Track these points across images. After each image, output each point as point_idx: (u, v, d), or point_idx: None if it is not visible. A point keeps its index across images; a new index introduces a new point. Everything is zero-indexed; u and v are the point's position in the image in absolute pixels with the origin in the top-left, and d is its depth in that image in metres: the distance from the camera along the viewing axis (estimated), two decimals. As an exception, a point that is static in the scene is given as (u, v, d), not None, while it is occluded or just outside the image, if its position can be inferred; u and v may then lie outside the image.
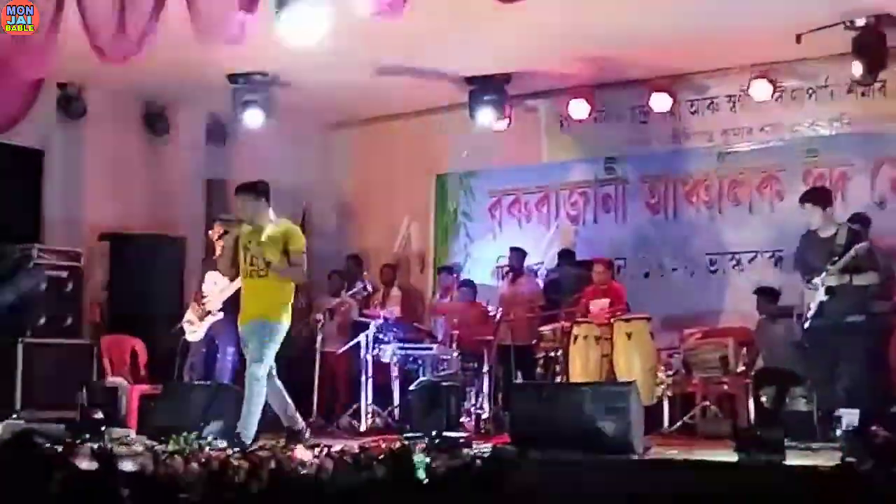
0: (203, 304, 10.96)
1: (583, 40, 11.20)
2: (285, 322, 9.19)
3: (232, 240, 9.32)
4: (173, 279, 12.77)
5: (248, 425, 8.89)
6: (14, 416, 9.99)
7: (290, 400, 9.40)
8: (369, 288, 13.26)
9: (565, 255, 13.00)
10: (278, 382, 9.33)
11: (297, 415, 9.44)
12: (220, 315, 10.83)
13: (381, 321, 12.31)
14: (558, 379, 10.98)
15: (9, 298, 11.58)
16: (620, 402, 8.67)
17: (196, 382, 10.49)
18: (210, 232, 11.38)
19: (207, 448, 8.18)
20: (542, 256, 13.33)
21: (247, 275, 9.22)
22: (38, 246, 12.01)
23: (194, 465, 7.65)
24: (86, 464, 7.19)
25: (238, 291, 10.94)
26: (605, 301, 11.34)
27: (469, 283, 12.91)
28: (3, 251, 11.81)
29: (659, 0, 10.18)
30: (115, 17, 9.13)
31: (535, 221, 13.66)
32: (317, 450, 8.40)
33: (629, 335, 10.74)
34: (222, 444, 8.54)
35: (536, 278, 13.08)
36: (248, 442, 8.56)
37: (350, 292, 13.26)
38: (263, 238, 9.10)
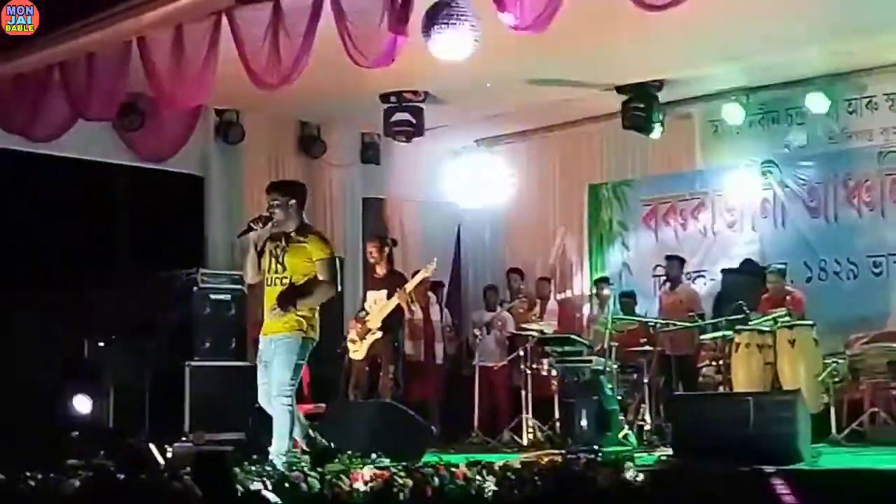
0: (364, 323, 11.07)
1: (735, 43, 11.01)
2: (314, 335, 8.55)
3: (255, 239, 8.56)
4: (333, 299, 12.87)
5: (283, 447, 8.36)
6: (183, 438, 10.22)
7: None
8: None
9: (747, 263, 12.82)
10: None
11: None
12: (380, 334, 10.94)
13: (538, 334, 12.29)
14: (721, 388, 10.82)
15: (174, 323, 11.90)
16: (786, 411, 8.52)
17: (360, 401, 10.58)
18: (368, 250, 11.51)
19: (371, 466, 8.26)
20: (700, 264, 13.16)
21: (272, 282, 8.51)
22: (202, 270, 12.26)
23: (359, 483, 7.74)
24: (252, 486, 7.33)
25: (397, 309, 11.10)
26: (783, 310, 11.11)
27: (629, 294, 12.79)
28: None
29: (812, -1, 9.99)
30: (269, 43, 9.31)
31: (691, 229, 13.49)
32: (478, 466, 8.43)
33: (792, 342, 10.55)
34: (385, 461, 8.62)
35: (695, 286, 12.93)
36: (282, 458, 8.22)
37: (508, 306, 13.29)
38: (290, 247, 8.47)
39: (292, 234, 8.56)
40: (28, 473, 8.71)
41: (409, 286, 11.23)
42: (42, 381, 11.12)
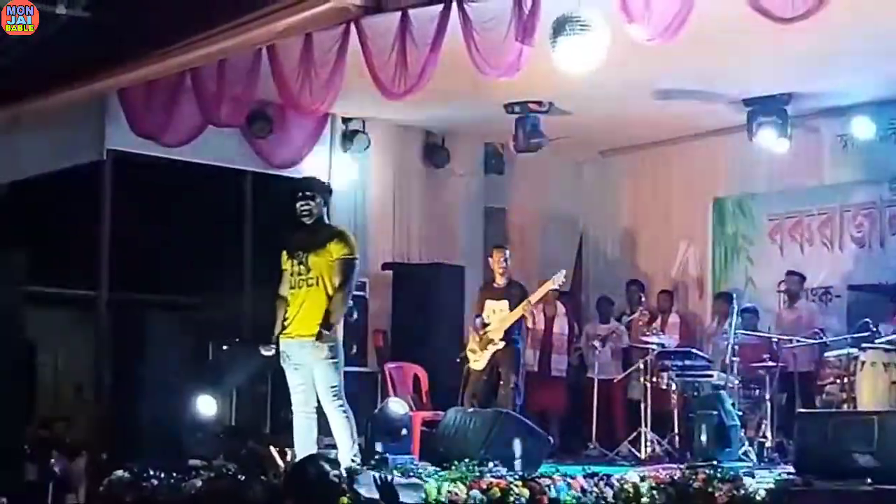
0: (485, 333, 11.10)
1: (866, 55, 10.82)
2: (336, 337, 8.50)
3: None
4: (453, 307, 12.95)
5: (352, 450, 8.45)
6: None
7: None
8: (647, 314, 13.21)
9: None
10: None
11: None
12: (502, 344, 10.96)
13: (658, 348, 12.20)
14: (844, 407, 10.64)
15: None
16: (912, 431, 8.36)
17: (478, 410, 10.61)
18: (490, 260, 11.55)
19: (488, 475, 8.29)
20: (825, 280, 12.96)
21: (297, 285, 8.48)
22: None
23: (476, 491, 7.78)
24: (367, 492, 7.41)
25: (520, 318, 11.11)
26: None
27: (752, 310, 12.63)
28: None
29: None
30: (396, 52, 9.40)
31: (818, 244, 13.29)
32: (595, 478, 8.43)
33: (919, 361, 10.32)
34: (502, 470, 8.63)
35: (817, 302, 12.73)
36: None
37: (628, 318, 13.23)
38: (313, 248, 8.45)
39: (315, 235, 8.52)
40: (152, 472, 8.94)
41: (535, 297, 11.21)
42: (168, 382, 11.33)
